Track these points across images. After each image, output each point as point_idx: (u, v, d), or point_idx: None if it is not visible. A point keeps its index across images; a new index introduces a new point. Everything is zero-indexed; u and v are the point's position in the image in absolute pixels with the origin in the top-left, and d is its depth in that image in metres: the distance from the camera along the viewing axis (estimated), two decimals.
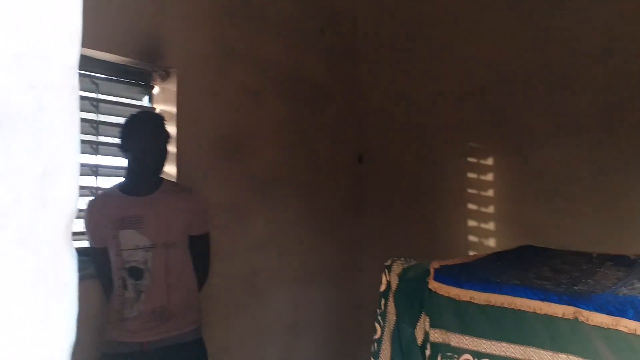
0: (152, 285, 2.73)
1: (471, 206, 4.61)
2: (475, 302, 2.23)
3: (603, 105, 4.10)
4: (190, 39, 3.65)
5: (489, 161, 4.58)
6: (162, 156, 2.90)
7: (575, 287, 2.32)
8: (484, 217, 4.54)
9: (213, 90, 3.80)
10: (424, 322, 2.35)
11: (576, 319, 2.07)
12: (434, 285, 2.36)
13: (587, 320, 2.04)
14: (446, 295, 2.30)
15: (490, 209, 4.53)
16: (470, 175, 4.64)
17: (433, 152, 4.84)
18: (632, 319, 1.95)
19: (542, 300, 2.18)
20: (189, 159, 3.56)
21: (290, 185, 4.42)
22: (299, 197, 4.50)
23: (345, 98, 5.05)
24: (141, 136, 2.80)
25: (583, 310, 2.06)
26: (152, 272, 2.73)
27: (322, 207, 4.77)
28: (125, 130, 2.85)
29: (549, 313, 2.13)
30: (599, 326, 2.01)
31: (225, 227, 3.79)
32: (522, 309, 2.16)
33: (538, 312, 2.14)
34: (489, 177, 4.57)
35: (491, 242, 4.49)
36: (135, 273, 2.72)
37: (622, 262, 2.88)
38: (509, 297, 2.20)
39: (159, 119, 2.93)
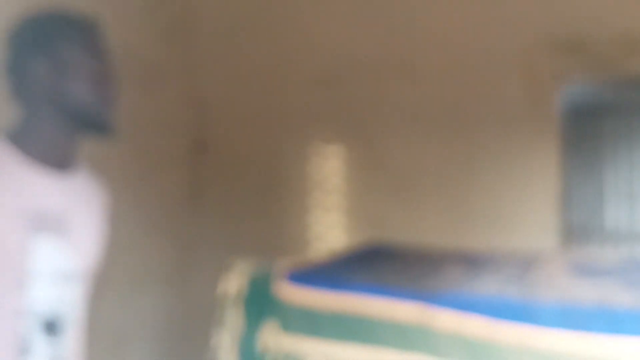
0: (72, 347, 1.64)
1: (319, 199, 4.72)
2: (328, 304, 2.28)
3: (451, 98, 4.39)
4: None
5: (338, 152, 4.72)
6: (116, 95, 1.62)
7: (423, 284, 2.46)
8: (331, 210, 4.67)
9: None
10: (273, 328, 2.36)
11: (425, 316, 2.18)
12: (284, 287, 2.37)
13: (436, 317, 2.16)
14: (298, 298, 2.32)
15: (339, 202, 4.66)
16: (318, 166, 4.74)
17: (280, 141, 4.87)
18: (481, 316, 2.10)
19: (392, 298, 2.28)
20: None
21: (113, 178, 4.22)
22: (124, 190, 4.31)
23: (182, 80, 4.93)
24: (86, 53, 1.54)
25: (431, 307, 2.18)
26: (75, 323, 1.65)
27: (154, 202, 4.62)
28: (47, 39, 1.50)
29: (399, 311, 2.23)
30: (447, 324, 2.14)
31: None
32: (372, 308, 2.25)
33: (388, 311, 2.24)
34: (337, 168, 4.70)
35: (338, 236, 4.62)
36: (53, 325, 1.52)
37: (470, 257, 3.10)
38: (360, 296, 2.27)
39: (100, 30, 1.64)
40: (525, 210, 4.25)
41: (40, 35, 1.48)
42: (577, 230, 4.32)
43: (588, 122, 4.37)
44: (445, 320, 2.13)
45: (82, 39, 1.52)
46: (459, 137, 4.35)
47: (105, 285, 4.05)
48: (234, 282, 2.48)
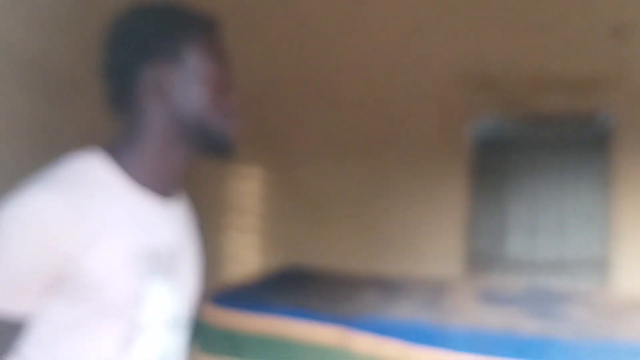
0: None
1: (234, 220, 4.78)
2: (250, 326, 2.37)
3: (370, 126, 4.58)
4: None
5: (255, 174, 4.81)
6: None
7: (342, 307, 2.59)
8: (246, 232, 4.74)
9: None
10: (192, 350, 2.42)
11: (344, 339, 2.31)
12: (208, 309, 2.44)
13: (354, 340, 2.29)
14: (221, 320, 2.40)
15: (254, 224, 4.75)
16: (234, 187, 4.81)
17: (195, 160, 4.91)
18: (396, 339, 2.25)
19: (312, 321, 2.40)
20: None
21: None
22: None
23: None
24: (208, 56, 1.24)
25: (350, 331, 2.32)
26: None
27: None
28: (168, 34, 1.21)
29: (319, 334, 2.35)
30: (365, 346, 2.27)
31: None
32: (293, 331, 2.36)
33: (308, 333, 2.35)
34: (254, 190, 4.79)
35: (252, 258, 4.70)
36: None
37: (384, 282, 3.27)
38: (282, 319, 2.38)
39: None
40: (434, 237, 4.50)
41: (149, 32, 1.19)
42: (480, 257, 4.58)
43: (496, 156, 4.66)
44: (363, 343, 2.27)
45: (203, 38, 1.22)
46: (375, 165, 4.54)
47: None
48: None
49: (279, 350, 2.35)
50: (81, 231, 1.03)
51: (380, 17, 4.61)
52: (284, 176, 4.73)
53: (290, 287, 2.97)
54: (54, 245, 1.01)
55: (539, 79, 4.43)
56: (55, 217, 1.01)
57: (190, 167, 1.30)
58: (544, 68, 4.40)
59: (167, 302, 1.19)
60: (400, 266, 4.19)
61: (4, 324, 1.00)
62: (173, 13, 1.21)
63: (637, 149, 4.23)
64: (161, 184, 1.22)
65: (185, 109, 1.18)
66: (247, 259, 4.68)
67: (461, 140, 4.55)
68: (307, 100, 4.70)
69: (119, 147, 1.17)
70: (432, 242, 4.52)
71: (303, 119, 4.71)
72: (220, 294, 2.52)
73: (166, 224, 1.22)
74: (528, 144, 4.67)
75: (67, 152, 1.21)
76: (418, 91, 4.56)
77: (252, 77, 4.80)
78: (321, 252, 4.37)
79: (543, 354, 2.09)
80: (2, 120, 3.93)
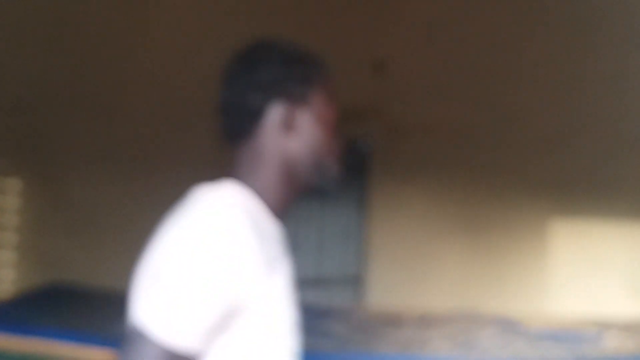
0: None
1: None
2: (15, 347, 2.27)
3: (144, 141, 4.55)
4: None
5: (14, 186, 4.52)
6: None
7: (111, 328, 2.57)
8: (4, 247, 4.44)
9: None
10: None
11: None
12: None
13: None
14: None
15: (13, 239, 4.46)
16: None
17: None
18: None
19: (80, 343, 2.36)
20: None
21: None
22: None
23: None
24: (328, 98, 1.31)
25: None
26: None
27: None
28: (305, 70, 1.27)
29: (88, 356, 2.32)
30: None
31: None
32: (61, 353, 2.30)
33: (77, 355, 2.31)
34: (15, 202, 4.50)
35: (10, 275, 4.41)
36: None
37: None
38: (49, 341, 2.31)
39: None
40: None
41: (282, 72, 1.21)
42: None
43: None
44: None
45: (327, 82, 1.27)
46: (147, 178, 4.50)
47: None
48: None
49: None
50: (261, 261, 1.04)
51: (160, 31, 4.63)
52: (47, 189, 4.50)
53: (55, 306, 2.88)
54: (244, 276, 1.01)
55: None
56: (250, 250, 1.02)
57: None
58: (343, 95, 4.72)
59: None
60: None
61: None
62: (302, 55, 1.24)
63: (391, 174, 4.71)
64: (274, 216, 1.22)
65: (308, 147, 1.21)
66: (4, 276, 4.38)
67: None
68: (75, 110, 4.54)
69: (243, 178, 1.19)
70: None
71: (73, 131, 4.53)
72: None
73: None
74: None
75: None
76: (193, 104, 4.63)
77: (18, 85, 4.54)
78: (89, 268, 4.23)
79: None
80: None
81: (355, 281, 4.73)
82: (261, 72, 1.20)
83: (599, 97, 4.48)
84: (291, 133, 1.20)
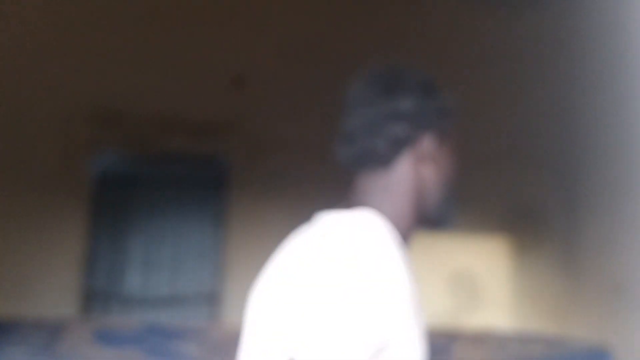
0: None
1: None
2: None
3: None
4: None
5: None
6: None
7: None
8: None
9: None
10: None
11: None
12: None
13: None
14: None
15: None
16: None
17: None
18: None
19: None
20: None
21: None
22: None
23: None
24: (453, 132, 1.33)
25: None
26: None
27: None
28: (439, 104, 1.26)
29: None
30: None
31: None
32: None
33: None
34: None
35: None
36: None
37: None
38: None
39: None
40: (50, 275, 4.36)
41: (433, 105, 1.18)
42: (97, 295, 4.57)
43: (117, 192, 4.72)
44: None
45: (450, 110, 1.23)
46: None
47: None
48: None
49: None
50: (410, 299, 1.03)
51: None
52: None
53: None
54: (397, 315, 0.99)
55: (162, 119, 4.66)
56: (405, 287, 1.01)
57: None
58: (168, 109, 4.65)
59: None
60: (12, 307, 3.96)
61: None
62: (438, 86, 1.22)
63: (249, 190, 4.72)
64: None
65: (441, 180, 1.21)
66: None
67: (82, 175, 4.53)
68: None
69: (376, 205, 1.16)
70: (47, 280, 4.37)
71: None
72: None
73: None
74: (149, 181, 4.85)
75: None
76: (38, 123, 4.42)
77: None
78: None
79: None
80: None
81: (212, 299, 4.68)
82: (406, 102, 1.17)
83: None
84: (430, 164, 1.19)
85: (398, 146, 1.17)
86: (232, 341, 3.19)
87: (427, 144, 1.19)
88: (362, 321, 0.96)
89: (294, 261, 1.06)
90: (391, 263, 1.02)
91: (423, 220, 1.23)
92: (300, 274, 1.02)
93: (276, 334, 1.02)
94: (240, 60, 4.75)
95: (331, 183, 4.74)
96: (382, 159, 1.18)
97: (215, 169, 4.90)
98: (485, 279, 4.92)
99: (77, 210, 4.49)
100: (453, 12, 4.81)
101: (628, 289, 4.20)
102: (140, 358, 2.65)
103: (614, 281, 4.32)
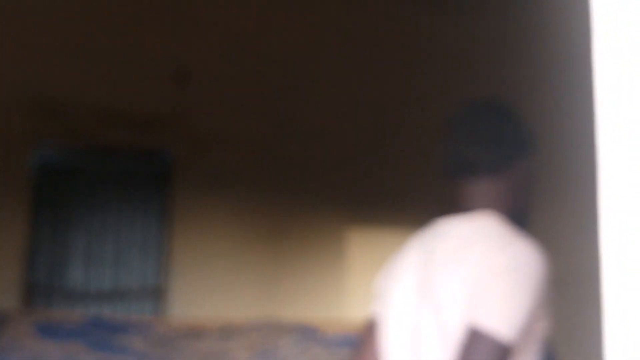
0: None
1: None
2: None
3: None
4: None
5: None
6: None
7: None
8: None
9: None
10: None
11: None
12: None
13: None
14: None
15: None
16: None
17: None
18: None
19: None
20: None
21: None
22: None
23: None
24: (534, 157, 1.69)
25: None
26: None
27: None
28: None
29: None
30: None
31: None
32: None
33: None
34: None
35: None
36: None
37: None
38: None
39: None
40: None
41: (530, 133, 1.56)
42: (39, 289, 4.53)
43: (58, 185, 4.67)
44: None
45: (534, 134, 1.58)
46: None
47: None
48: None
49: None
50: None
51: None
52: None
53: None
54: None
55: (105, 112, 4.64)
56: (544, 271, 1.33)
57: None
58: (111, 102, 4.64)
59: None
60: None
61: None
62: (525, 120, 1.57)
63: (193, 185, 4.74)
64: None
65: (527, 189, 1.56)
66: None
67: (22, 168, 4.48)
68: None
69: (492, 208, 1.48)
70: None
71: None
72: None
73: None
74: (92, 174, 4.82)
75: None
76: None
77: None
78: None
79: None
80: None
81: (156, 293, 4.70)
82: (510, 126, 1.53)
83: (389, 116, 4.86)
84: (523, 176, 1.54)
85: (509, 160, 1.50)
86: (176, 335, 3.25)
87: (528, 169, 1.54)
88: (525, 291, 1.28)
89: (461, 244, 1.38)
90: (531, 247, 1.34)
91: (514, 221, 1.51)
92: (471, 252, 1.35)
93: (456, 301, 1.31)
94: (185, 54, 4.76)
95: (271, 176, 4.84)
96: (497, 169, 1.50)
97: (159, 162, 4.91)
98: None
99: (18, 203, 4.45)
100: (394, 15, 4.91)
101: (569, 284, 4.35)
102: (83, 351, 2.67)
103: (555, 276, 4.47)
